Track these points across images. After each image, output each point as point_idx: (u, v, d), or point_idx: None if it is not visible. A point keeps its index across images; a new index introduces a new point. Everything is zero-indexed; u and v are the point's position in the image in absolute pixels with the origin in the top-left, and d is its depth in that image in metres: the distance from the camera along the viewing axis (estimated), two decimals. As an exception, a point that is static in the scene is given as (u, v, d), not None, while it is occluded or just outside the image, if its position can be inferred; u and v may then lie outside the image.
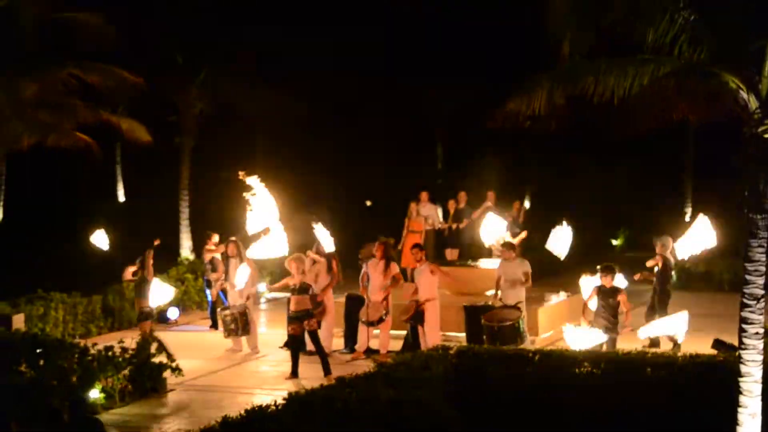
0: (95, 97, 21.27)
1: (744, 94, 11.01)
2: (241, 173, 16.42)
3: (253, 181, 16.45)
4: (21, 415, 12.09)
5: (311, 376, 15.55)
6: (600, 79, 11.17)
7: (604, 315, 15.52)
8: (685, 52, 11.16)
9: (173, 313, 21.78)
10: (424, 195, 23.54)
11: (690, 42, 11.12)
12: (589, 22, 11.72)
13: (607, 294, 15.59)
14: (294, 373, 16.04)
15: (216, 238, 20.94)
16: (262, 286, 18.55)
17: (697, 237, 17.89)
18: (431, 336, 17.05)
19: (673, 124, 13.09)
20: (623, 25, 11.36)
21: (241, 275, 17.98)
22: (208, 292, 21.05)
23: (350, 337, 18.22)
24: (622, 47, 11.58)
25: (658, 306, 17.77)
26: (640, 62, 11.14)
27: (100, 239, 21.89)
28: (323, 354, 16.08)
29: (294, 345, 16.37)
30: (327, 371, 15.69)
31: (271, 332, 20.02)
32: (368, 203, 39.14)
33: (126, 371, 14.78)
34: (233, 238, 18.90)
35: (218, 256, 20.34)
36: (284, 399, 10.68)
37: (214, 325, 20.54)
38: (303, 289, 16.17)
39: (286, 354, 16.77)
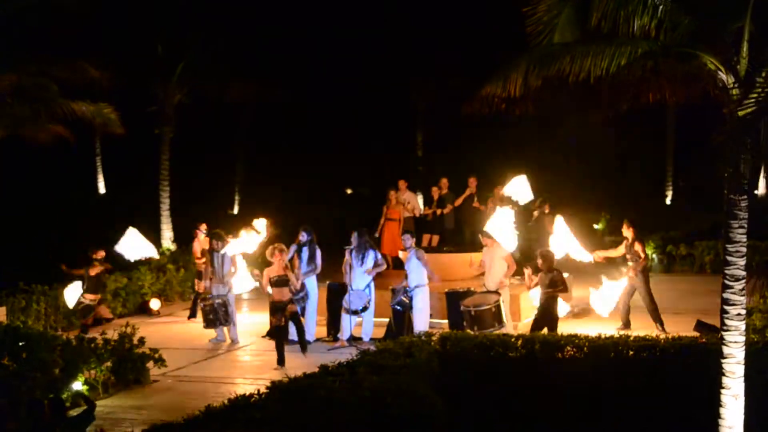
0: (72, 90, 21.09)
1: (723, 75, 11.02)
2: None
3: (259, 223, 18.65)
4: (3, 407, 12.04)
5: (297, 365, 15.54)
6: (576, 59, 11.12)
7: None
8: (668, 35, 11.14)
9: (155, 304, 21.69)
10: (402, 183, 23.45)
11: (672, 28, 11.11)
12: (573, 21, 11.70)
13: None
14: (280, 362, 16.04)
15: (203, 228, 20.83)
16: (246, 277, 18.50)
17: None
18: (419, 322, 17.05)
19: (652, 106, 13.08)
20: (608, 19, 11.29)
21: (236, 270, 18.28)
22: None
23: (333, 325, 18.20)
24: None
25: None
26: (618, 44, 11.11)
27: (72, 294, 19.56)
28: (302, 332, 16.46)
29: (278, 335, 16.41)
30: (303, 350, 16.32)
31: (253, 322, 20.00)
32: (348, 191, 39.16)
33: (109, 363, 14.73)
34: (215, 231, 18.81)
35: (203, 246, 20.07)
36: (267, 388, 10.67)
37: (193, 315, 20.47)
38: (283, 281, 16.27)
39: (269, 344, 16.76)
